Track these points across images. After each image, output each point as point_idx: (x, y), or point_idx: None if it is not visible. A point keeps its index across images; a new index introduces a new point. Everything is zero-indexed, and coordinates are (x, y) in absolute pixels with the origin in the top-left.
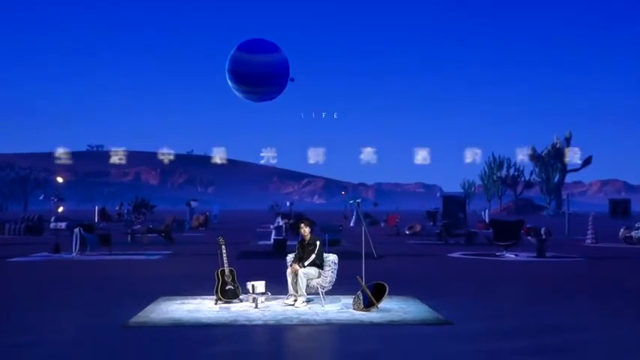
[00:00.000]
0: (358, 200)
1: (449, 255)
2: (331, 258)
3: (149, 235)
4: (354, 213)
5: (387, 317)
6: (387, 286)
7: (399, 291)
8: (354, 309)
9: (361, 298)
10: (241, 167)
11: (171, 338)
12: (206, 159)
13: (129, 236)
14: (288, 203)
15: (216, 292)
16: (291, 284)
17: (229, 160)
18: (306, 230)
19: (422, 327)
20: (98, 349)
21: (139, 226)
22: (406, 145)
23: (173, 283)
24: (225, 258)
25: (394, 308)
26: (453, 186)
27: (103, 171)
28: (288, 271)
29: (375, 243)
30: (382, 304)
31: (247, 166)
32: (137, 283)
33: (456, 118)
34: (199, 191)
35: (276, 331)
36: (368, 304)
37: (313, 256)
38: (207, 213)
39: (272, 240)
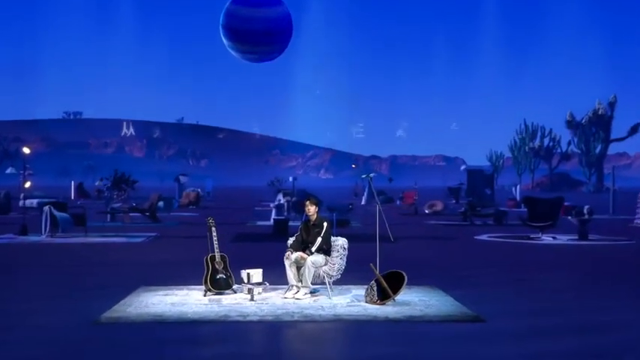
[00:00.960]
0: (371, 175)
1: (475, 237)
2: (340, 242)
3: (131, 214)
4: (366, 189)
5: (406, 312)
6: (405, 274)
7: (419, 280)
8: (366, 302)
9: (375, 289)
10: (239, 138)
11: (151, 337)
12: (198, 128)
13: (108, 216)
14: (290, 178)
15: (205, 281)
16: (292, 275)
17: (225, 130)
18: (311, 209)
19: (447, 324)
20: (62, 351)
21: (119, 205)
22: (425, 112)
23: (156, 270)
24: (215, 242)
25: (414, 301)
26: (478, 158)
27: (82, 141)
28: (287, 258)
29: (391, 224)
30: (400, 296)
31: (245, 137)
32: (114, 270)
33: (480, 79)
34: (191, 164)
35: (274, 329)
36: (383, 297)
37: (320, 240)
38: (199, 189)
39: (272, 220)
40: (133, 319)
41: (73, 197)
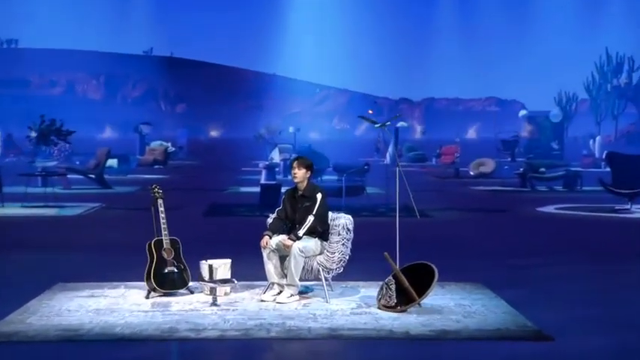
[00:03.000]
0: (388, 123)
1: (538, 209)
2: (342, 221)
3: (70, 176)
4: (391, 144)
5: (436, 324)
6: (435, 268)
7: (456, 275)
8: (379, 307)
9: (392, 288)
10: (225, 75)
11: None
12: (173, 62)
13: (39, 179)
14: (291, 129)
15: (148, 277)
16: (273, 269)
17: (207, 65)
18: (298, 173)
19: (497, 343)
20: None
21: (54, 163)
22: (470, 40)
23: (87, 257)
24: (163, 220)
25: (448, 307)
26: (542, 102)
27: (19, 79)
28: (265, 245)
29: (421, 191)
30: (428, 300)
31: (234, 74)
32: (28, 257)
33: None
34: (163, 110)
35: (240, 351)
36: (405, 300)
37: (311, 218)
38: (169, 143)
39: (260, 186)
40: (33, 335)
41: (0, 152)
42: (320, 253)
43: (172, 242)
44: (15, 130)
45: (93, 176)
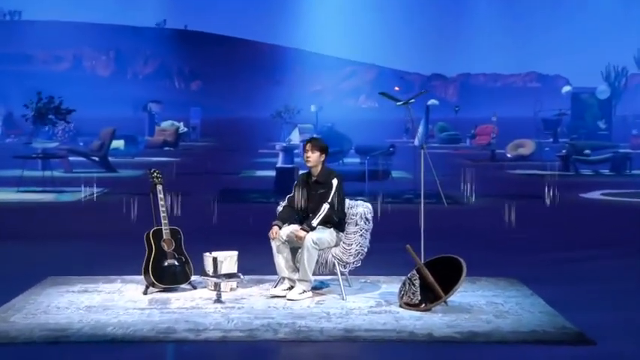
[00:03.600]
0: (412, 100)
1: (582, 196)
2: (360, 210)
3: (71, 158)
4: (422, 123)
5: (464, 325)
6: (463, 263)
7: (488, 269)
8: (400, 305)
9: (416, 284)
10: (243, 49)
11: None
12: (187, 36)
13: (39, 161)
14: (312, 108)
15: (146, 271)
16: (284, 262)
17: (224, 38)
18: (312, 157)
19: (534, 348)
20: None
21: (55, 145)
22: (509, 10)
23: (85, 248)
24: (162, 208)
25: (478, 305)
26: (588, 77)
27: (22, 53)
28: (275, 235)
29: (451, 176)
30: (455, 297)
31: (252, 48)
32: (20, 248)
33: None
34: (177, 87)
35: (246, 354)
36: (429, 298)
37: (326, 206)
38: (180, 123)
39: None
40: (16, 335)
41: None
42: (335, 245)
43: (173, 232)
44: (17, 108)
45: (96, 158)
